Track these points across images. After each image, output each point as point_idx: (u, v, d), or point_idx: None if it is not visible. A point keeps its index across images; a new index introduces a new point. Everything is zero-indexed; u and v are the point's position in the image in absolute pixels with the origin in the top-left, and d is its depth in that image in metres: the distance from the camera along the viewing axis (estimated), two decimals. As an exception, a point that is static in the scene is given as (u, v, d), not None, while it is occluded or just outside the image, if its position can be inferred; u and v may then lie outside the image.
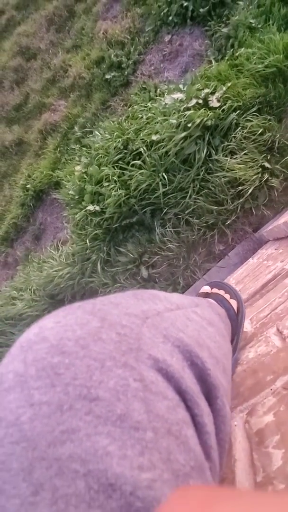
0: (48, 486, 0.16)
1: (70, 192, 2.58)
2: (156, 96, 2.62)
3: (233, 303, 0.57)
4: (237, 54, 2.35)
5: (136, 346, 0.22)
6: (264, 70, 2.10)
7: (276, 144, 2.04)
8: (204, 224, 2.07)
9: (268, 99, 2.11)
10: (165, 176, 2.10)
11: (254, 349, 0.46)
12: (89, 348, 0.21)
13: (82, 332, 0.22)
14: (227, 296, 0.58)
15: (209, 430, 0.22)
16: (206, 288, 0.64)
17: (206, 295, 0.59)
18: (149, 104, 2.52)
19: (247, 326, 0.62)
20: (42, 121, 3.69)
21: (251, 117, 2.06)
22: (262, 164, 2.00)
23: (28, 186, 3.37)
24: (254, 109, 2.08)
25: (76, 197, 2.51)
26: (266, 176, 1.98)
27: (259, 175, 1.97)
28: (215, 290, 0.60)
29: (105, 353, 0.21)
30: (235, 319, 0.53)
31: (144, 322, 0.25)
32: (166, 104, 2.20)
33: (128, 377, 0.20)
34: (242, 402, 0.35)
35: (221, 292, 0.59)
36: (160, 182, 2.09)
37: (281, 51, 2.11)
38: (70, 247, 2.60)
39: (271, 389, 0.32)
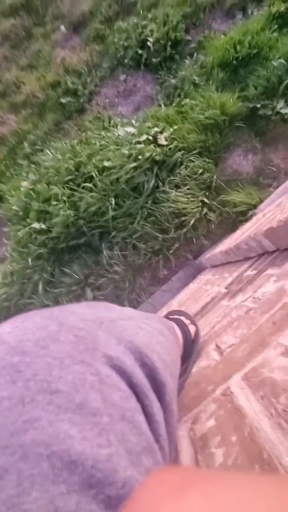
0: (13, 470, 0.17)
1: (13, 207, 2.46)
2: (110, 126, 2.77)
3: (191, 328, 0.62)
4: (183, 103, 2.67)
5: (92, 346, 0.24)
6: (204, 120, 2.43)
7: (213, 184, 2.33)
8: (150, 249, 2.18)
9: (207, 145, 2.42)
10: (115, 201, 2.18)
11: (197, 364, 0.52)
12: (49, 348, 0.22)
13: (42, 335, 0.23)
14: (187, 322, 0.63)
15: (158, 419, 0.25)
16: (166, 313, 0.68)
17: (167, 318, 0.63)
18: (102, 132, 2.63)
19: (190, 344, 0.68)
20: (-13, 131, 3.50)
21: (193, 158, 2.33)
22: (202, 199, 2.24)
23: None
24: (195, 151, 2.35)
25: (21, 213, 2.40)
26: (205, 210, 2.22)
27: (199, 208, 2.20)
28: (176, 316, 0.65)
29: (63, 352, 0.22)
30: (190, 342, 0.57)
31: (99, 326, 0.27)
32: (119, 135, 2.34)
33: (85, 372, 0.22)
34: (186, 413, 0.38)
35: (182, 317, 0.64)
36: (109, 206, 2.16)
37: (218, 108, 2.47)
38: (8, 266, 2.43)
39: (212, 397, 0.37)
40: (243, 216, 2.18)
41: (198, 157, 2.34)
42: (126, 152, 2.17)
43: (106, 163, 2.22)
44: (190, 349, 0.56)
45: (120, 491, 0.18)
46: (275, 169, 2.37)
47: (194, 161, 2.30)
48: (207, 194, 2.28)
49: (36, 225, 2.23)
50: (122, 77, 3.29)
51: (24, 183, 2.49)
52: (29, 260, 2.24)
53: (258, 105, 2.59)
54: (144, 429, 0.23)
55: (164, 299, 2.08)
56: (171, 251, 2.19)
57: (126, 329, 0.30)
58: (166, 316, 0.65)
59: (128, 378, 0.24)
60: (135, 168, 2.16)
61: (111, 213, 2.16)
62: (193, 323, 0.65)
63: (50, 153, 2.65)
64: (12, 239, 2.49)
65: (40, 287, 2.22)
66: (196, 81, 2.86)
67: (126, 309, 0.37)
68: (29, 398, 0.19)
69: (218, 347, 0.52)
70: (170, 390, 0.29)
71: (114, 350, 0.25)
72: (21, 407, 0.19)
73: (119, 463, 0.19)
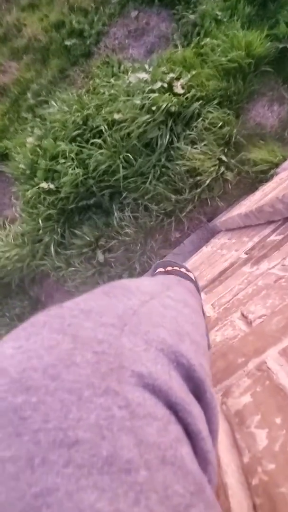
0: None
1: (20, 165, 2.35)
2: (120, 72, 2.51)
3: (190, 275, 0.59)
4: (202, 43, 2.36)
5: (117, 364, 0.19)
6: (227, 64, 2.15)
7: (233, 139, 2.14)
8: (162, 211, 2.09)
9: (228, 93, 2.17)
10: (126, 159, 2.04)
11: (221, 333, 0.48)
12: (61, 377, 0.17)
13: (51, 358, 0.18)
14: (183, 270, 0.58)
15: (205, 435, 0.21)
16: (161, 270, 0.64)
17: (166, 272, 0.59)
18: (112, 80, 2.39)
19: (209, 311, 0.64)
20: (-12, 82, 3.26)
21: (212, 109, 2.11)
22: (219, 157, 2.07)
23: None
24: (215, 101, 2.12)
25: (28, 172, 2.30)
26: (222, 169, 2.06)
27: (216, 167, 2.04)
28: (169, 269, 0.61)
29: (81, 380, 0.18)
30: (198, 290, 0.54)
31: (122, 331, 0.22)
32: (130, 82, 2.12)
33: (111, 405, 0.17)
34: (215, 384, 0.35)
35: (175, 268, 0.60)
36: (120, 165, 2.03)
37: (243, 48, 2.17)
38: (19, 227, 2.40)
39: (244, 371, 0.33)
40: (263, 175, 2.03)
41: (217, 107, 2.12)
42: (138, 102, 1.98)
43: (116, 116, 2.04)
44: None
45: None
46: (303, 122, 2.14)
47: (213, 113, 2.09)
48: (225, 151, 2.10)
49: (44, 184, 2.15)
50: (134, 13, 2.89)
51: (30, 139, 2.35)
52: (40, 221, 2.20)
53: (290, 45, 2.26)
54: (190, 464, 0.18)
55: (176, 263, 2.04)
56: (184, 213, 2.09)
57: (151, 317, 0.25)
58: (162, 270, 0.61)
59: (165, 397, 0.20)
60: (148, 121, 1.98)
61: (122, 172, 2.04)
62: (188, 270, 0.61)
63: (55, 105, 2.46)
64: (21, 199, 2.43)
65: (52, 248, 2.20)
66: (219, 17, 2.49)
67: (145, 283, 0.32)
68: (40, 459, 0.14)
69: (244, 316, 0.48)
70: (209, 383, 0.25)
71: (144, 362, 0.21)
72: (30, 473, 0.14)
73: None
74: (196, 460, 0.19)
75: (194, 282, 0.55)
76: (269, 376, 0.29)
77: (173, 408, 0.20)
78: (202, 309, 0.52)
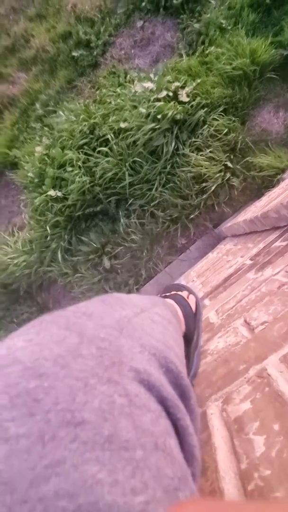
0: None
1: (29, 174, 2.41)
2: (126, 82, 2.56)
3: (191, 299, 0.60)
4: (207, 51, 2.39)
5: (118, 359, 0.21)
6: (231, 71, 2.17)
7: (239, 145, 2.15)
8: (168, 217, 2.10)
9: (233, 100, 2.19)
10: (132, 166, 2.07)
11: (224, 340, 0.48)
12: (70, 366, 0.19)
13: (60, 350, 0.20)
14: (184, 294, 0.61)
15: (191, 431, 0.23)
16: (166, 294, 0.66)
17: (165, 296, 0.61)
18: (118, 89, 2.44)
19: (213, 318, 0.65)
20: (-1, 93, 3.36)
21: (217, 116, 2.13)
22: (225, 163, 2.09)
23: (-21, 164, 3.06)
24: (220, 108, 2.14)
25: (36, 180, 2.35)
26: (228, 175, 2.07)
27: (222, 173, 2.06)
28: (173, 292, 0.63)
29: (87, 370, 0.20)
30: (192, 315, 0.56)
31: (121, 333, 0.24)
32: (136, 92, 2.16)
33: (113, 393, 0.19)
34: (216, 391, 0.36)
35: (179, 292, 0.62)
36: (126, 172, 2.06)
37: (248, 56, 2.19)
38: (27, 234, 2.45)
39: (245, 378, 0.34)
40: (269, 181, 2.03)
41: (223, 115, 2.14)
42: (144, 111, 2.01)
43: (122, 125, 2.08)
44: (193, 322, 0.55)
45: None
46: (308, 128, 2.14)
47: (218, 120, 2.11)
48: (231, 157, 2.11)
49: (52, 192, 2.19)
50: (139, 23, 2.96)
51: (38, 148, 2.41)
52: (47, 228, 2.24)
53: (294, 52, 2.27)
54: (177, 455, 0.20)
55: (182, 269, 2.05)
56: (190, 219, 2.11)
57: (143, 327, 0.28)
58: (164, 294, 0.63)
59: (158, 393, 0.22)
60: (153, 129, 2.01)
61: (128, 179, 2.06)
62: (191, 293, 0.64)
63: (63, 115, 2.52)
64: (29, 207, 2.48)
65: (59, 255, 2.24)
66: (223, 25, 2.53)
67: (135, 298, 0.35)
68: (50, 435, 0.16)
69: (247, 323, 0.48)
70: (193, 391, 0.27)
71: (140, 361, 0.23)
72: (41, 447, 0.16)
73: None
74: (182, 453, 0.21)
75: (189, 306, 0.57)
76: (269, 383, 0.30)
77: (164, 403, 0.22)
78: (198, 327, 0.54)
